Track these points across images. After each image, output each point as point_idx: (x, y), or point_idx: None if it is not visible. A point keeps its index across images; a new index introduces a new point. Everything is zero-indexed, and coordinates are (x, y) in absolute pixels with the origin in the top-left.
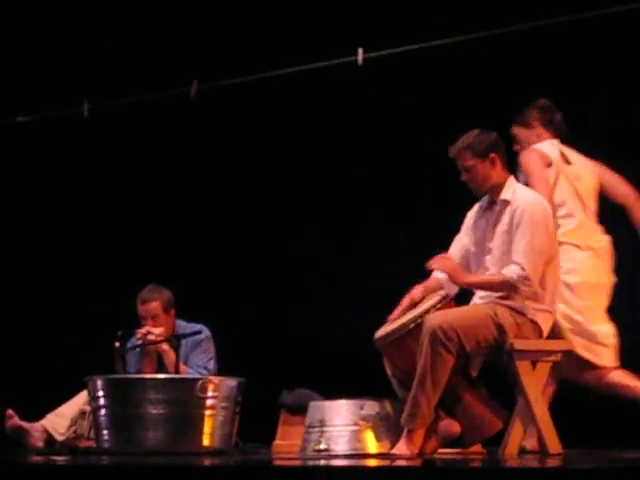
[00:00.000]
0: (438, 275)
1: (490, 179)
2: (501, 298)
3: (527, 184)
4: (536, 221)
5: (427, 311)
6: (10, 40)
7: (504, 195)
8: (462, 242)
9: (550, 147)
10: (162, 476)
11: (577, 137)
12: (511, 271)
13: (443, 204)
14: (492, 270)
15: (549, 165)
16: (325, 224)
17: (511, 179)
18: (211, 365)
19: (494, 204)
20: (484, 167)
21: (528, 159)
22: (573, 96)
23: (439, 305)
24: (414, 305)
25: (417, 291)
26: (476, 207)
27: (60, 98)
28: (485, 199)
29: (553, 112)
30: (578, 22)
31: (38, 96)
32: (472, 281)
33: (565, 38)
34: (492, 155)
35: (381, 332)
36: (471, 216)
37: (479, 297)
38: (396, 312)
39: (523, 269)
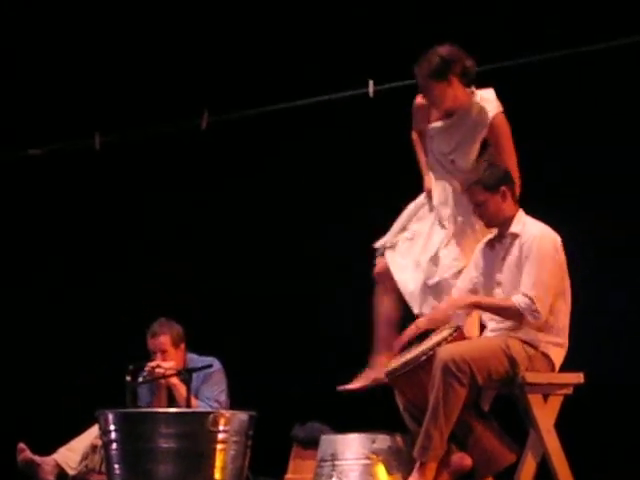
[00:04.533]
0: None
1: (502, 212)
2: (513, 330)
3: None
4: (544, 254)
5: (439, 344)
6: (22, 72)
7: (513, 228)
8: (470, 274)
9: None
10: None
11: None
12: (520, 300)
13: None
14: None
15: None
16: (337, 256)
17: (520, 212)
18: (222, 397)
19: (503, 237)
20: (495, 201)
21: (505, 125)
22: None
23: (450, 338)
24: (420, 335)
25: (422, 320)
26: (483, 242)
27: (72, 130)
28: (494, 233)
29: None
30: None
31: (50, 128)
32: (480, 302)
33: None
34: (503, 188)
35: (392, 365)
36: (479, 250)
37: (491, 330)
38: (401, 339)
39: (532, 301)
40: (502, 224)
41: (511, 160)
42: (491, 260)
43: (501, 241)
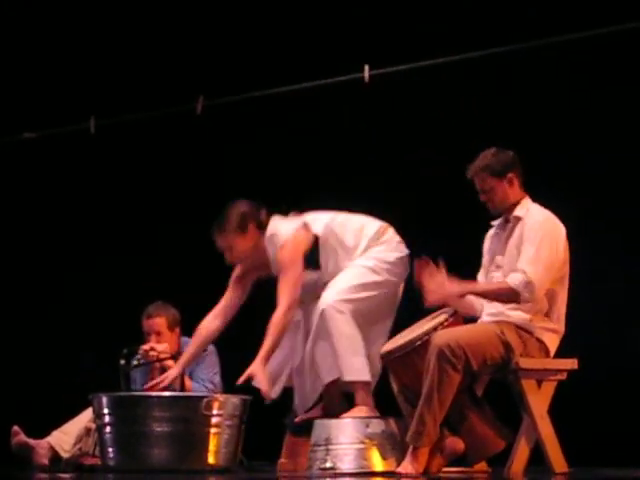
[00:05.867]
0: None
1: (508, 198)
2: (508, 316)
3: None
4: (545, 234)
5: (434, 328)
6: (17, 56)
7: (517, 212)
8: (485, 267)
9: None
10: None
11: None
12: (514, 278)
13: (451, 221)
14: None
15: None
16: None
17: (527, 199)
18: (217, 379)
19: (508, 222)
20: (502, 187)
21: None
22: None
23: (446, 323)
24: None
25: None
26: (491, 231)
27: (67, 114)
28: (501, 219)
29: None
30: (582, 41)
31: (45, 112)
32: (475, 289)
33: (576, 55)
34: (510, 175)
35: (388, 347)
36: (487, 240)
37: (487, 314)
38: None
39: (526, 274)
40: (508, 209)
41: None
42: (495, 244)
43: (505, 225)
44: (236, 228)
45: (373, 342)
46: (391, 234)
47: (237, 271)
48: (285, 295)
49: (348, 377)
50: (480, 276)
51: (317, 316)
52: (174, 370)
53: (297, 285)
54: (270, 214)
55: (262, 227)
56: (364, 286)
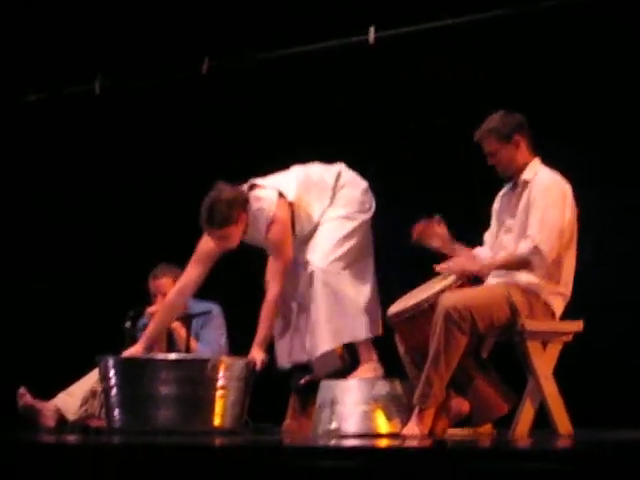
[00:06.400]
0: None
1: (516, 161)
2: (516, 279)
3: None
4: (551, 197)
5: (442, 291)
6: (21, 17)
7: (525, 175)
8: (493, 230)
9: None
10: (172, 455)
11: None
12: (522, 246)
13: (455, 185)
14: (510, 249)
15: None
16: None
17: (536, 160)
18: (223, 341)
19: (517, 186)
20: (509, 150)
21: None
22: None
23: (454, 285)
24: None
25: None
26: (500, 194)
27: (72, 75)
28: (510, 183)
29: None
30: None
31: (50, 73)
32: (485, 267)
33: (583, 17)
34: (516, 137)
35: (395, 309)
36: (497, 201)
37: (493, 276)
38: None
39: (535, 242)
40: (516, 172)
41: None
42: (504, 208)
43: (515, 189)
44: (227, 220)
45: (362, 279)
46: (347, 172)
47: (201, 249)
48: (276, 279)
49: (354, 338)
50: (487, 235)
51: (315, 280)
52: (138, 346)
53: (288, 268)
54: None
55: (246, 207)
56: (345, 237)
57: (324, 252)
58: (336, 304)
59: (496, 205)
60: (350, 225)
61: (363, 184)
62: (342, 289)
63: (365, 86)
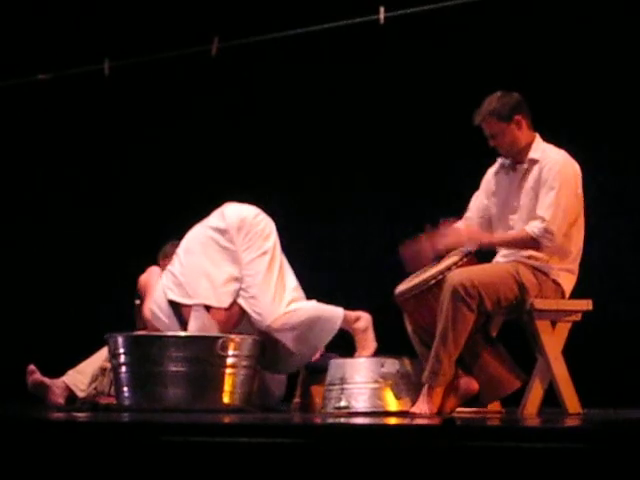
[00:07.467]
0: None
1: (518, 141)
2: (524, 257)
3: None
4: (564, 178)
5: (449, 268)
6: None
7: (532, 154)
8: (482, 202)
9: None
10: (182, 433)
11: None
12: (533, 226)
13: (463, 164)
14: (517, 228)
15: None
16: (331, 186)
17: (538, 138)
18: None
19: (520, 164)
20: (510, 130)
21: None
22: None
23: (461, 262)
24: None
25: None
26: (496, 167)
27: (81, 55)
28: (504, 160)
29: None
30: None
31: (59, 53)
32: (493, 241)
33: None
34: (517, 117)
35: (402, 287)
36: (492, 176)
37: (502, 255)
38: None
39: (545, 222)
40: (519, 152)
41: None
42: (507, 187)
43: (517, 168)
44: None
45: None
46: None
47: None
48: None
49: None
50: (472, 206)
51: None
52: None
53: None
54: None
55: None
56: (272, 267)
57: (271, 297)
58: (303, 328)
59: (491, 181)
60: (267, 250)
61: (249, 209)
62: (302, 315)
63: (374, 66)
